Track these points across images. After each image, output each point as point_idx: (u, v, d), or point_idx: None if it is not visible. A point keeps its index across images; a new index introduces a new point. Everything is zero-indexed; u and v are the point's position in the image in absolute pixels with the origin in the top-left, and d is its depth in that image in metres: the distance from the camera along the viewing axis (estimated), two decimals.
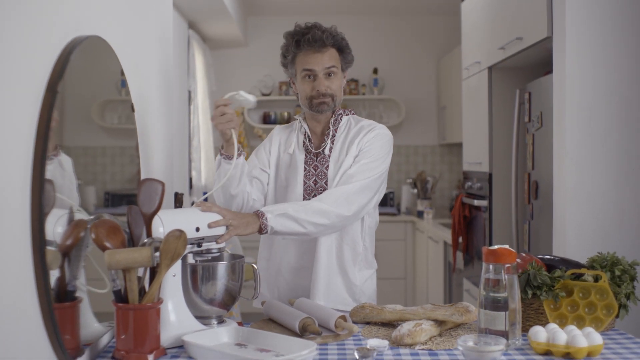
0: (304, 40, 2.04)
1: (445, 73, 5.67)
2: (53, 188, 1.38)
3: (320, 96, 2.05)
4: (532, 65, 3.49)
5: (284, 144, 2.19)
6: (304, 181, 2.10)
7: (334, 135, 2.12)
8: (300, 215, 1.90)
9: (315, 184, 2.09)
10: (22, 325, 1.21)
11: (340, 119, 2.15)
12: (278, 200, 2.14)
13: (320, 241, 2.07)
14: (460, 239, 4.11)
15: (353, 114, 2.20)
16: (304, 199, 2.07)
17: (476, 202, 3.78)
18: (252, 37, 6.02)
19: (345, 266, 2.10)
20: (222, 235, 1.77)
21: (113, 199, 1.80)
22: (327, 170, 2.09)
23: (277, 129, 2.25)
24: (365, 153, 2.05)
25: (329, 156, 2.10)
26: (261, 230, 1.87)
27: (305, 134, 2.15)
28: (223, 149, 1.99)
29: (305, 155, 2.13)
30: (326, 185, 2.08)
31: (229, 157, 1.97)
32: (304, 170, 2.11)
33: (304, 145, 2.14)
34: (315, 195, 2.06)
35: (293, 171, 2.12)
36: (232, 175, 1.98)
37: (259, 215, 1.87)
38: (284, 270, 2.14)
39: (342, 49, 2.10)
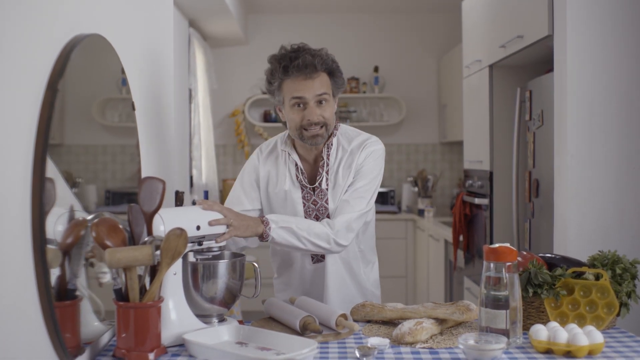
0: (292, 66, 1.89)
1: (446, 71, 5.67)
2: (53, 186, 1.38)
3: (313, 125, 1.92)
4: (533, 63, 3.48)
5: (274, 177, 2.06)
6: (305, 217, 2.02)
7: (328, 165, 2.02)
8: (303, 234, 1.88)
9: (317, 219, 2.01)
10: (22, 324, 1.21)
11: (331, 144, 2.03)
12: None
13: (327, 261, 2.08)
14: (461, 237, 4.10)
15: (339, 125, 2.08)
16: None
17: (477, 201, 3.78)
18: (252, 35, 6.02)
19: (351, 262, 2.11)
20: (222, 234, 1.77)
21: (114, 198, 1.79)
22: (327, 204, 2.01)
23: (262, 161, 2.09)
24: (360, 176, 1.99)
25: (327, 189, 2.01)
26: (262, 237, 1.85)
27: (296, 166, 2.04)
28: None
29: (301, 189, 2.03)
30: (328, 218, 2.00)
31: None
32: (304, 207, 2.02)
33: (297, 179, 2.04)
34: None
35: (291, 208, 2.03)
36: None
37: (263, 222, 1.84)
38: (299, 269, 2.14)
39: (334, 72, 1.96)
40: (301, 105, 1.93)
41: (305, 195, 2.03)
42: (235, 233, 1.79)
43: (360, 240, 2.12)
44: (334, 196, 2.01)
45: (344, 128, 2.09)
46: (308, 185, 2.03)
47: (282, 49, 1.97)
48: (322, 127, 1.94)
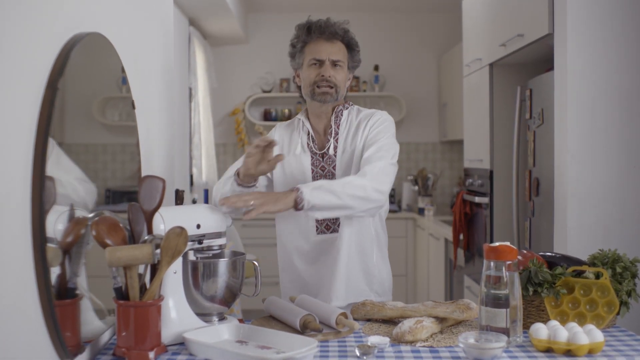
0: (315, 26, 2.06)
1: (446, 70, 5.67)
2: (53, 185, 1.38)
3: (324, 82, 2.04)
4: (533, 62, 3.48)
5: (287, 145, 2.16)
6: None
7: (337, 134, 2.10)
8: (337, 188, 1.86)
9: None
10: (22, 323, 1.21)
11: (341, 115, 2.13)
12: None
13: (342, 232, 2.06)
14: (461, 236, 4.10)
15: (352, 105, 2.17)
16: None
17: (477, 199, 3.78)
18: (252, 34, 6.01)
19: (366, 258, 2.10)
20: (249, 211, 1.74)
21: (114, 196, 1.79)
22: (334, 170, 2.08)
23: (278, 128, 2.22)
24: (371, 142, 2.03)
25: (335, 155, 2.09)
26: (297, 205, 1.81)
27: (308, 134, 2.13)
28: (239, 178, 1.94)
29: (311, 156, 2.11)
30: None
31: (239, 184, 1.94)
32: (312, 172, 2.09)
33: (307, 146, 2.12)
34: None
35: (300, 173, 2.10)
36: None
37: (293, 190, 1.83)
38: (300, 262, 2.13)
39: (352, 47, 2.11)
40: (317, 64, 2.06)
41: (314, 162, 2.11)
42: (264, 209, 1.76)
43: (376, 223, 2.12)
44: (342, 162, 2.08)
45: (356, 107, 2.19)
46: (317, 152, 2.11)
47: (309, 18, 2.12)
48: (332, 87, 2.05)
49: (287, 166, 2.12)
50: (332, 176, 2.08)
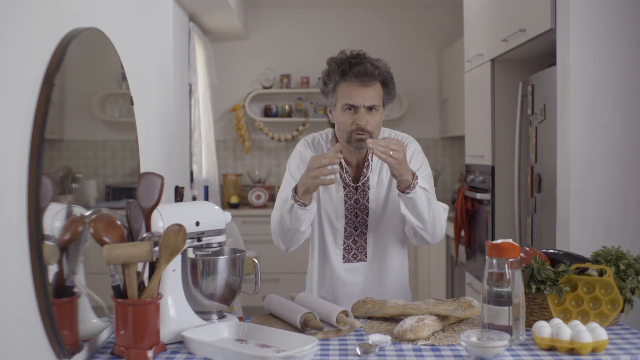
0: (352, 72, 1.93)
1: (447, 65, 5.64)
2: (50, 182, 1.36)
3: (360, 131, 1.95)
4: (535, 57, 3.46)
5: None
6: (345, 215, 2.06)
7: (371, 166, 2.07)
8: (432, 202, 1.94)
9: (356, 217, 2.07)
10: (19, 322, 1.20)
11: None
12: (320, 231, 2.09)
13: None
14: (463, 233, 4.09)
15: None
16: (345, 232, 2.07)
17: (479, 196, 3.76)
18: (253, 29, 5.99)
19: (387, 251, 2.11)
20: (392, 156, 1.79)
21: (114, 193, 1.78)
22: (368, 202, 2.06)
23: (307, 149, 2.12)
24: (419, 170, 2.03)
25: (369, 188, 2.06)
26: (405, 188, 1.87)
27: (341, 166, 2.07)
28: (298, 196, 1.89)
29: (344, 187, 2.07)
30: (367, 217, 2.06)
31: (305, 205, 1.90)
32: (345, 204, 2.06)
33: (341, 177, 2.06)
34: (356, 227, 2.07)
35: (332, 205, 2.07)
36: (304, 217, 1.94)
37: (413, 174, 1.89)
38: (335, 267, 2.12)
39: (387, 83, 2.00)
40: (352, 109, 1.96)
41: (348, 193, 2.07)
42: (400, 167, 1.82)
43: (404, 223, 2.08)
44: (376, 194, 2.06)
45: (384, 130, 2.14)
46: (351, 184, 2.07)
47: (341, 53, 2.00)
48: (368, 134, 1.97)
49: (320, 195, 2.07)
50: (365, 208, 2.06)
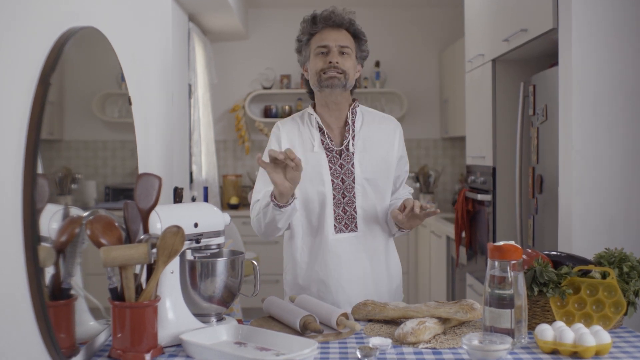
0: (321, 16, 2.04)
1: (448, 65, 5.63)
2: (47, 183, 1.35)
3: (332, 69, 1.99)
4: (537, 57, 3.44)
5: (298, 143, 2.07)
6: (332, 180, 2.03)
7: (353, 131, 2.07)
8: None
9: (343, 182, 2.04)
10: (14, 325, 1.18)
11: (355, 112, 2.10)
12: (306, 201, 2.04)
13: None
14: (463, 234, 4.07)
15: (358, 103, 2.15)
16: (334, 198, 2.03)
17: (480, 197, 3.75)
18: (253, 29, 5.97)
19: (376, 236, 2.10)
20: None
21: (114, 194, 1.77)
22: (353, 167, 2.04)
23: (283, 126, 2.11)
24: (403, 159, 2.15)
25: (353, 153, 2.05)
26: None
27: (320, 130, 2.07)
28: (275, 198, 1.86)
29: (326, 153, 2.05)
30: (353, 182, 2.04)
31: (280, 206, 1.87)
32: (330, 170, 2.04)
33: (322, 143, 2.06)
34: (344, 194, 2.03)
35: (317, 171, 2.03)
36: (280, 217, 1.91)
37: None
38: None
39: (358, 36, 2.08)
40: (324, 53, 2.03)
41: (332, 159, 2.05)
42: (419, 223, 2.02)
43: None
44: (362, 160, 2.05)
45: (362, 106, 2.18)
46: (335, 148, 2.06)
47: (314, 12, 2.09)
48: (340, 73, 2.01)
49: (304, 165, 1.97)
50: (351, 174, 2.04)
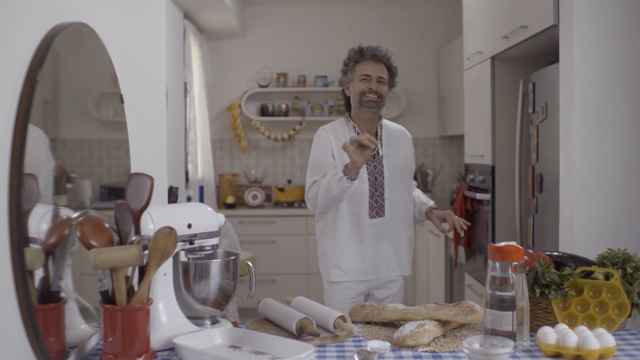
0: (367, 50, 2.60)
1: (446, 63, 5.59)
2: (36, 183, 1.31)
3: (372, 93, 2.54)
4: (537, 54, 3.40)
5: (340, 144, 2.50)
6: (368, 178, 2.54)
7: (381, 139, 2.61)
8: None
9: (375, 180, 2.56)
10: (0, 329, 1.14)
11: (382, 126, 2.64)
12: (351, 193, 2.42)
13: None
14: (462, 233, 4.02)
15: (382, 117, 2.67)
16: (369, 194, 2.55)
17: (478, 196, 3.71)
18: (249, 28, 5.93)
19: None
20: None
21: (109, 193, 1.74)
22: (383, 168, 2.58)
23: (328, 131, 2.60)
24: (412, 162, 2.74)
25: (382, 157, 2.58)
26: None
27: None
28: (349, 170, 2.28)
29: None
30: (383, 180, 2.57)
31: (352, 179, 2.29)
32: (367, 170, 2.54)
33: None
34: (376, 189, 2.56)
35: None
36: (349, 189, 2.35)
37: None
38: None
39: (392, 70, 2.66)
40: (366, 79, 2.57)
41: (368, 162, 2.55)
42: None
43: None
44: (388, 163, 2.60)
45: (383, 124, 2.69)
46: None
47: (360, 44, 2.66)
48: (378, 97, 2.56)
49: (344, 163, 2.43)
50: (381, 173, 2.58)
